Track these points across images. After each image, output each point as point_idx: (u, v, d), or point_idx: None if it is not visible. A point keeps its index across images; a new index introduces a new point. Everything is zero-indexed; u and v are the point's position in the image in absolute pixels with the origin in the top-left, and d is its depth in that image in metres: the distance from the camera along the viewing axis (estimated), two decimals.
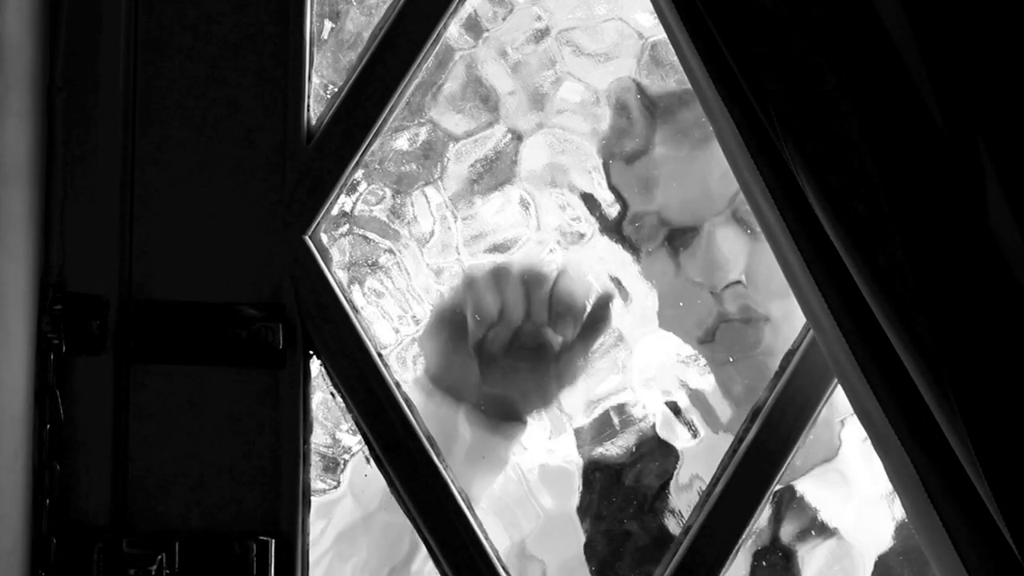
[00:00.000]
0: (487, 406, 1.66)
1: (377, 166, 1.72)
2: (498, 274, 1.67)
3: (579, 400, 1.71)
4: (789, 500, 1.73)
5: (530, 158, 1.72)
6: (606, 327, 1.69)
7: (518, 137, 1.72)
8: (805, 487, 1.73)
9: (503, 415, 1.68)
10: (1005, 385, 1.22)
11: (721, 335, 1.73)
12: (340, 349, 1.51)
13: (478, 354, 1.67)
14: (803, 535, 1.73)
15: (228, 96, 1.49)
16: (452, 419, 1.67)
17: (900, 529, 1.72)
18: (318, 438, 1.68)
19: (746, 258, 1.73)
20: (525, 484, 1.72)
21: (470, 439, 1.66)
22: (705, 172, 1.73)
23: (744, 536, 1.52)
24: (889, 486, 1.46)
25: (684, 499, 1.73)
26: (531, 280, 1.67)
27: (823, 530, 1.74)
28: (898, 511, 1.72)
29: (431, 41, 1.52)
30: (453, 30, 1.68)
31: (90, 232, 1.48)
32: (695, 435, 1.74)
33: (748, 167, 1.30)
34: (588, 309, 1.68)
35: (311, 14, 1.51)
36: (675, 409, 1.74)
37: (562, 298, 1.67)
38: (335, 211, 1.65)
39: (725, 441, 1.60)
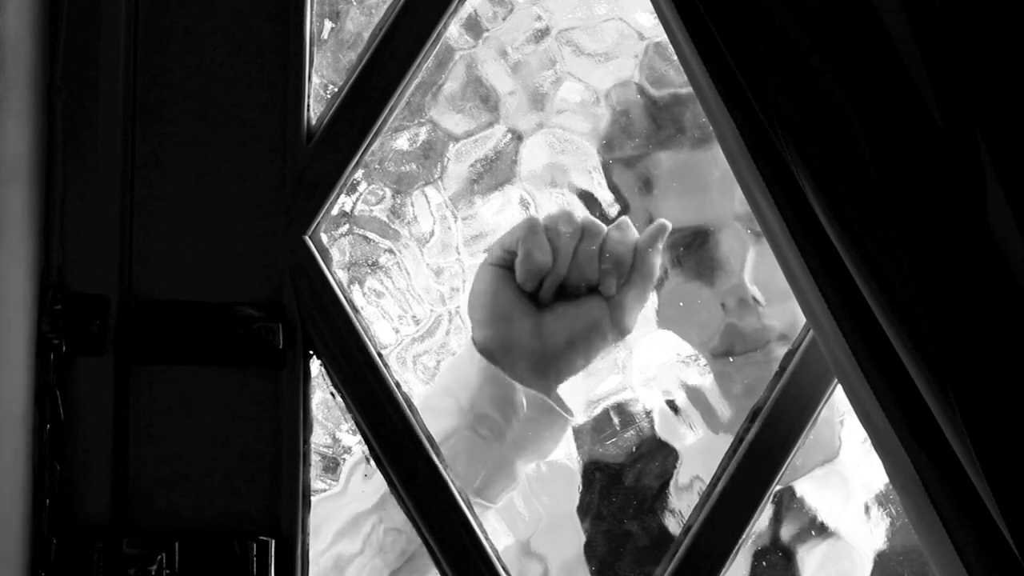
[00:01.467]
0: (539, 372, 1.65)
1: (377, 166, 1.72)
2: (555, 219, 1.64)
3: (579, 400, 1.71)
4: (789, 500, 1.73)
5: (530, 158, 1.72)
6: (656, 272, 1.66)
7: (518, 137, 1.72)
8: (805, 488, 1.73)
9: (554, 377, 1.66)
10: (1005, 385, 1.22)
11: (724, 335, 1.73)
12: (340, 349, 1.51)
13: (530, 304, 1.65)
14: (803, 535, 1.73)
15: (228, 96, 1.49)
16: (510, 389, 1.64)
17: (900, 530, 1.73)
18: (318, 438, 1.68)
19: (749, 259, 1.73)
20: (526, 483, 1.72)
21: (526, 411, 1.65)
22: (705, 172, 1.73)
23: (744, 536, 1.52)
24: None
25: (684, 499, 1.73)
26: (586, 229, 1.65)
27: (823, 530, 1.74)
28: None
29: (431, 41, 1.52)
30: (453, 30, 1.68)
31: (90, 232, 1.48)
32: (695, 435, 1.74)
33: (748, 167, 1.30)
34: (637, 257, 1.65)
35: (311, 14, 1.51)
36: (675, 409, 1.74)
37: (613, 251, 1.64)
38: (335, 211, 1.65)
39: (725, 441, 1.60)
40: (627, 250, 1.65)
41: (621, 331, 1.66)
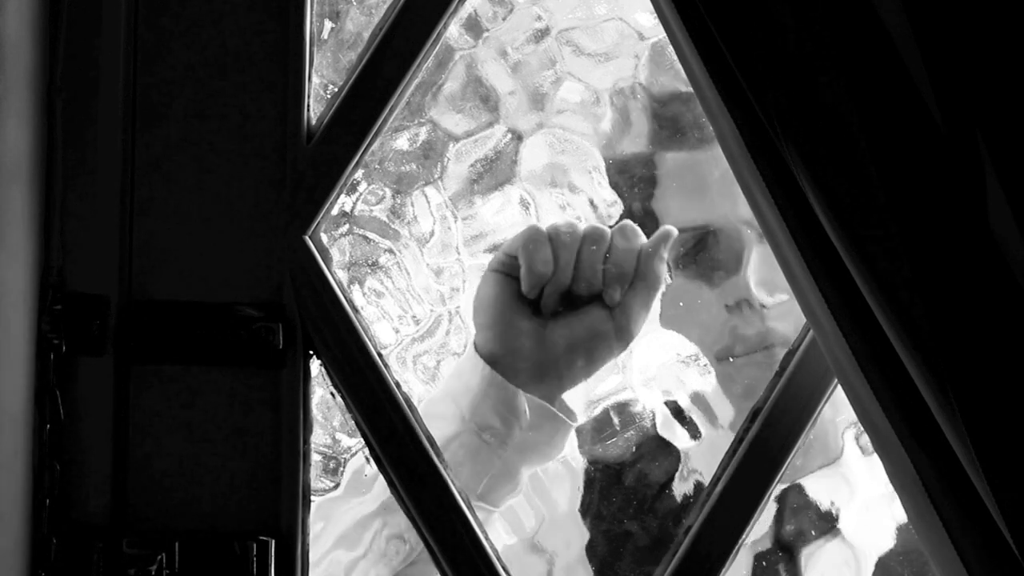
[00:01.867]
0: (542, 379, 1.64)
1: (377, 166, 1.72)
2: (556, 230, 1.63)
3: (579, 400, 1.71)
4: (792, 500, 1.73)
5: (530, 158, 1.72)
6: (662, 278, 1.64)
7: (518, 137, 1.72)
8: (808, 488, 1.73)
9: (558, 386, 1.65)
10: (1005, 385, 1.22)
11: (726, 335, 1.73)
12: (340, 349, 1.51)
13: (533, 311, 1.64)
14: (805, 536, 1.73)
15: (228, 96, 1.49)
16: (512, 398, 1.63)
17: (900, 530, 1.72)
18: (318, 438, 1.68)
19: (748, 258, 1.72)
20: (527, 483, 1.71)
21: (529, 417, 1.64)
22: (705, 172, 1.73)
23: (744, 536, 1.52)
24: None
25: (684, 499, 1.73)
26: (589, 236, 1.63)
27: (825, 531, 1.74)
28: (899, 512, 1.72)
29: (431, 41, 1.52)
30: (453, 30, 1.68)
31: (90, 232, 1.48)
32: (695, 435, 1.73)
33: (748, 167, 1.30)
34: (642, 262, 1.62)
35: (311, 14, 1.51)
36: (675, 409, 1.74)
37: (617, 259, 1.62)
38: (335, 211, 1.65)
39: (726, 440, 1.60)
40: (631, 258, 1.63)
41: (625, 339, 1.65)
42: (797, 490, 1.73)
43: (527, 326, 1.63)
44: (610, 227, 1.65)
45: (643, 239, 1.63)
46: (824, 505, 1.74)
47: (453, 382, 1.66)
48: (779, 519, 1.73)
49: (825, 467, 1.74)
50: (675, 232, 1.63)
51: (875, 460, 1.43)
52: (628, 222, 1.64)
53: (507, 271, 1.63)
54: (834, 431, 1.73)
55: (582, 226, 1.63)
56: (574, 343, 1.64)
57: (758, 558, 1.73)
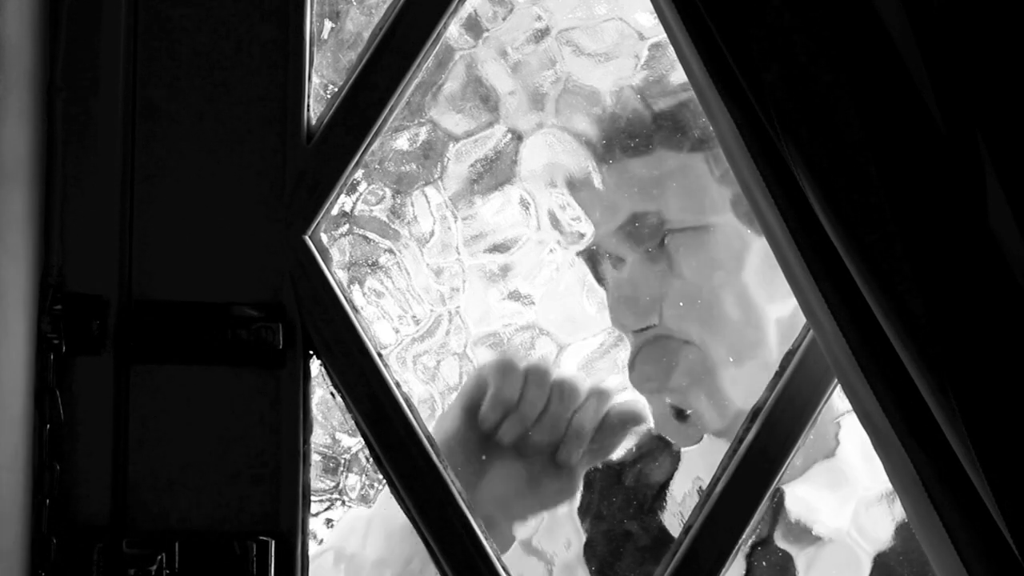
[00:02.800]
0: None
1: (377, 166, 1.72)
2: (534, 371, 1.64)
3: None
4: (790, 500, 1.73)
5: (530, 158, 1.72)
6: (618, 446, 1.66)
7: (518, 137, 1.72)
8: (804, 487, 1.73)
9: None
10: (1005, 385, 1.22)
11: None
12: (340, 349, 1.51)
13: (482, 452, 1.65)
14: (801, 535, 1.73)
15: (228, 96, 1.49)
16: None
17: (900, 529, 1.73)
18: (318, 438, 1.68)
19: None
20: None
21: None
22: (705, 172, 1.73)
23: (744, 536, 1.52)
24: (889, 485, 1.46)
25: (684, 499, 1.73)
26: (562, 391, 1.64)
27: (823, 531, 1.74)
28: (898, 511, 1.72)
29: (431, 41, 1.52)
30: (453, 30, 1.68)
31: (90, 232, 1.48)
32: (695, 436, 1.74)
33: (748, 167, 1.30)
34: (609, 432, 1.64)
35: (311, 14, 1.51)
36: (676, 409, 1.74)
37: (583, 419, 1.64)
38: (335, 211, 1.65)
39: (725, 441, 1.60)
40: (596, 421, 1.63)
41: (565, 499, 1.66)
42: (795, 489, 1.74)
43: (473, 463, 1.64)
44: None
45: (612, 401, 1.64)
46: (822, 505, 1.74)
47: None
48: (778, 518, 1.73)
49: (823, 463, 1.74)
50: (651, 424, 1.64)
51: (874, 458, 1.43)
52: (604, 386, 1.64)
53: (473, 404, 1.63)
54: (827, 431, 1.74)
55: (557, 377, 1.62)
56: (511, 489, 1.64)
57: (757, 558, 1.73)
